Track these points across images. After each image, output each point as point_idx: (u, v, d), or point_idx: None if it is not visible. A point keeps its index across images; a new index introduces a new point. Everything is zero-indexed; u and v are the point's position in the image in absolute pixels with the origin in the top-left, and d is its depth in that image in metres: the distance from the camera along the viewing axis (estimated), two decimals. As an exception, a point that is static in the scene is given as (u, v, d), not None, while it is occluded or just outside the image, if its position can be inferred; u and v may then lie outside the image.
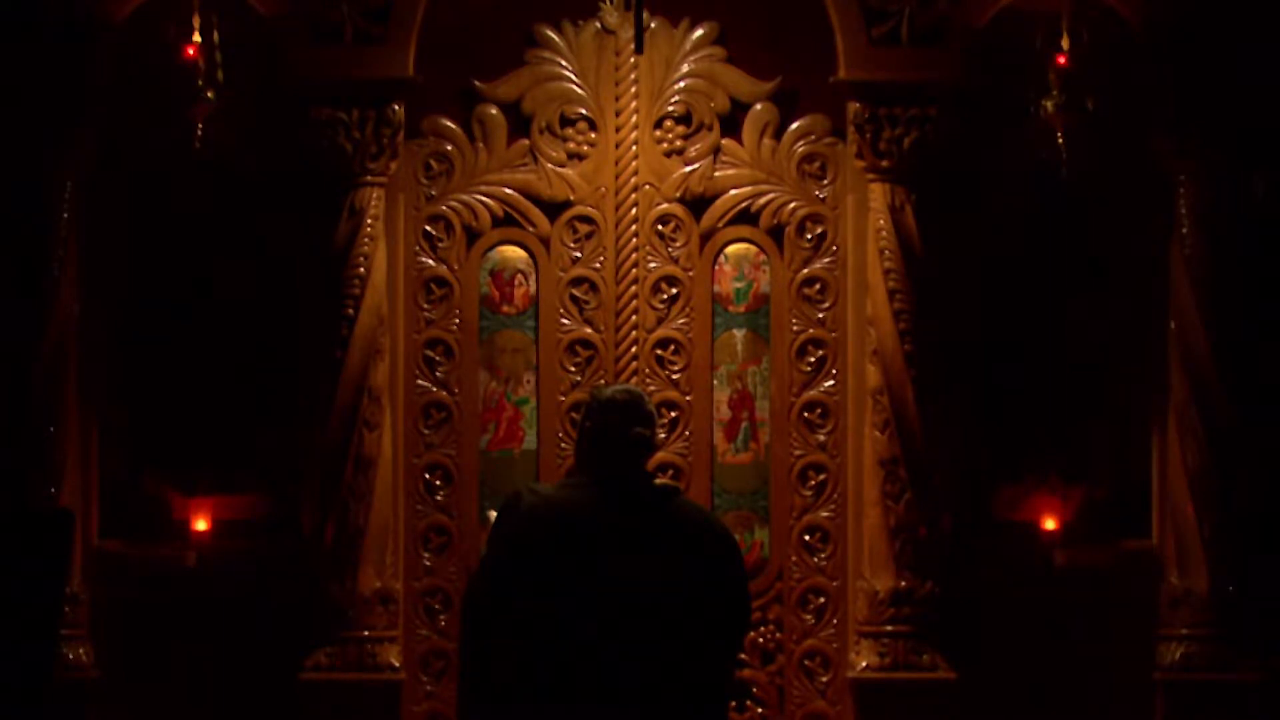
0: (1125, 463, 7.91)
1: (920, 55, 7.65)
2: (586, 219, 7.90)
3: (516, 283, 7.94)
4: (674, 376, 7.89)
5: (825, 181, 7.89)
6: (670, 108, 7.89)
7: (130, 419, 7.83)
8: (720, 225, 7.90)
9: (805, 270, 7.89)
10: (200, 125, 7.56)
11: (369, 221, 7.65)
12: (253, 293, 7.81)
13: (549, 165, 7.89)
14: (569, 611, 5.08)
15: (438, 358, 7.87)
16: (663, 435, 7.75)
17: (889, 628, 7.62)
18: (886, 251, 7.66)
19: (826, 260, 7.89)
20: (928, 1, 7.62)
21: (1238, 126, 7.64)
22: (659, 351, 7.89)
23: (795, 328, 7.88)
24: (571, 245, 7.90)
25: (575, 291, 7.90)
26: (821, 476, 7.86)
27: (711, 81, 7.89)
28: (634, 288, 7.88)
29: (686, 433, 7.87)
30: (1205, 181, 7.68)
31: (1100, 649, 7.72)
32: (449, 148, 7.89)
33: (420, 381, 7.85)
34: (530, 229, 7.90)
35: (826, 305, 7.88)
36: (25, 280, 7.56)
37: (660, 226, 7.90)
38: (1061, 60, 7.59)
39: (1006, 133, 7.75)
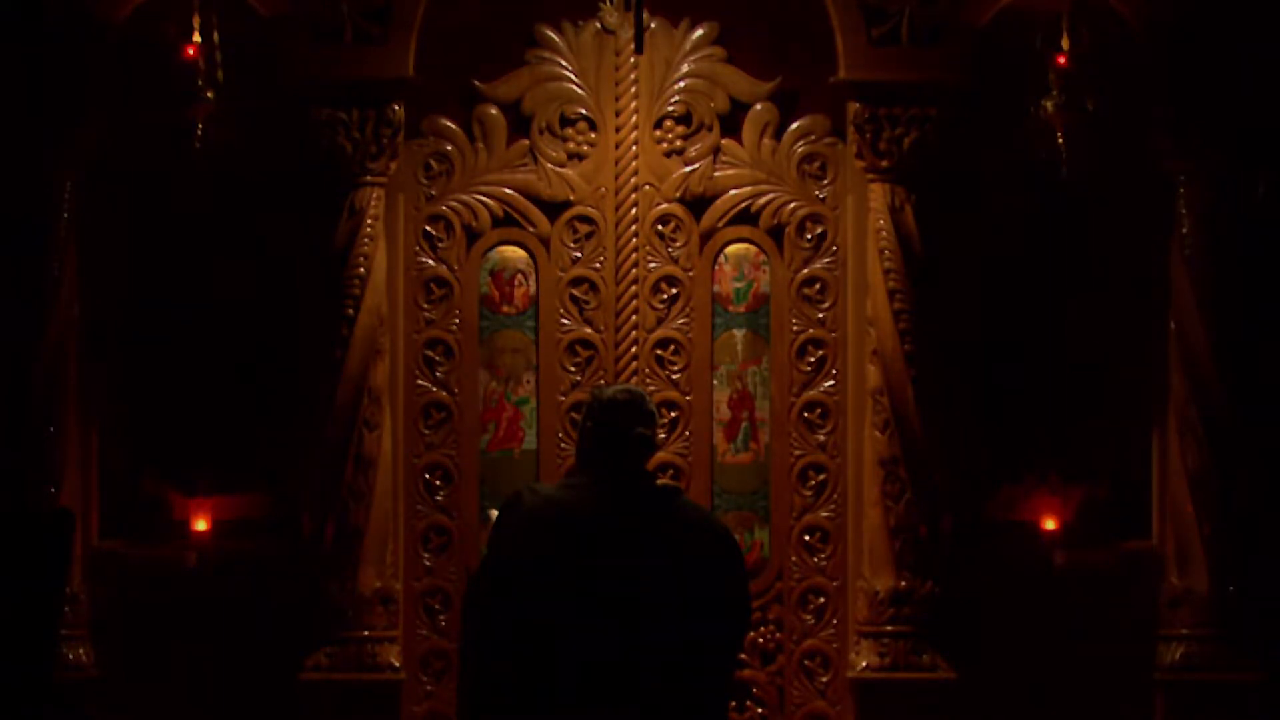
0: (1125, 463, 7.91)
1: (920, 55, 7.65)
2: (586, 219, 7.90)
3: (516, 283, 7.94)
4: (674, 376, 7.88)
5: (825, 181, 7.89)
6: (670, 108, 7.89)
7: (130, 419, 7.83)
8: (720, 225, 7.90)
9: (805, 270, 7.89)
10: (200, 125, 7.55)
11: (369, 221, 7.65)
12: (253, 293, 7.80)
13: (549, 165, 7.88)
14: (569, 612, 5.08)
15: (438, 358, 7.87)
16: (663, 435, 7.74)
17: (889, 628, 7.62)
18: (886, 251, 7.66)
19: (826, 260, 7.89)
20: (928, 1, 7.62)
21: (1238, 126, 7.64)
22: (659, 351, 7.89)
23: (795, 328, 7.88)
24: (571, 245, 7.90)
25: (575, 291, 7.89)
26: (821, 476, 7.86)
27: (711, 81, 7.89)
28: (634, 288, 7.88)
29: (686, 433, 7.87)
30: (1205, 181, 7.68)
31: (1100, 649, 7.72)
32: (449, 148, 7.89)
33: (420, 381, 7.85)
34: (530, 229, 7.90)
35: (826, 305, 7.88)
36: (25, 280, 7.57)
37: (660, 226, 7.90)
38: (1061, 60, 7.58)
39: (1006, 133, 7.75)
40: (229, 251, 7.82)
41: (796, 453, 7.86)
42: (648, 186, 7.88)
